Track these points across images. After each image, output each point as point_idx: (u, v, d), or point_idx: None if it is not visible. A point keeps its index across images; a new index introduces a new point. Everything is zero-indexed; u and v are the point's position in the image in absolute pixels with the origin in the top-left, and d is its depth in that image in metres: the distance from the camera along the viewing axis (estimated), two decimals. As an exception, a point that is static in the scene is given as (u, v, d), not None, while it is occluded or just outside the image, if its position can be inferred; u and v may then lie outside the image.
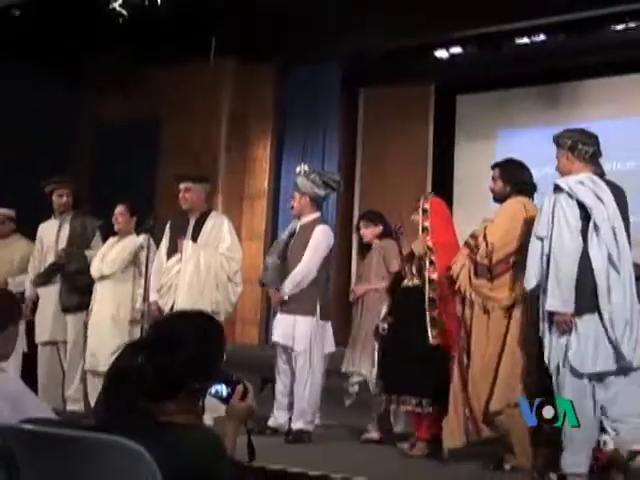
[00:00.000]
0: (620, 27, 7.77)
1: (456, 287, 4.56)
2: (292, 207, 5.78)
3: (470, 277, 4.49)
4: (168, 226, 5.87)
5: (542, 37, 8.06)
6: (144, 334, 2.22)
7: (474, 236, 4.60)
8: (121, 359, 2.12)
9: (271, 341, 5.77)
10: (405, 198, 5.50)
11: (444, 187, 8.70)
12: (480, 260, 4.47)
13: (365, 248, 5.85)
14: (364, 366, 5.48)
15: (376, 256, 5.73)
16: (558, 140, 4.21)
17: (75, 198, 6.56)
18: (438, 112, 9.60)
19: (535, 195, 4.71)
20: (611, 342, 3.93)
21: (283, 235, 5.80)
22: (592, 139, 4.19)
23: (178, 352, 2.09)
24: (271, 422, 5.59)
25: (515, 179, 4.67)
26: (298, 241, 5.65)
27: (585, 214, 4.00)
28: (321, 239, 5.67)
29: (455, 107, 9.63)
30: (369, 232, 5.76)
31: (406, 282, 5.23)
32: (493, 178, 4.76)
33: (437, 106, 9.62)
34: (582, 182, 4.04)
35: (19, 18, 7.64)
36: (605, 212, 4.00)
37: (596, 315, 3.96)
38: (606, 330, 3.93)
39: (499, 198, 4.73)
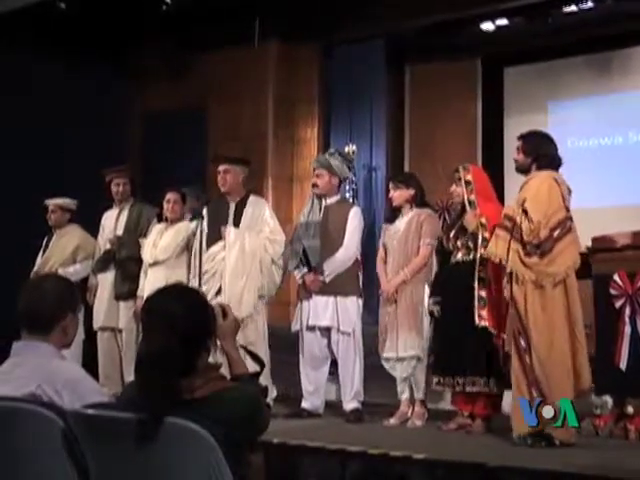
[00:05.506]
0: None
1: (507, 269, 4.49)
2: (316, 185, 5.66)
3: (521, 258, 4.43)
4: (206, 212, 5.75)
5: (590, 4, 7.88)
6: (143, 319, 2.24)
7: (510, 218, 4.53)
8: (149, 345, 2.15)
9: (304, 325, 5.56)
10: (455, 175, 5.42)
11: (495, 162, 8.58)
12: (528, 239, 4.42)
13: (395, 212, 5.48)
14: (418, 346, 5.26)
15: (413, 229, 5.32)
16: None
17: (133, 186, 6.70)
18: (486, 86, 9.47)
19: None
20: None
21: (312, 216, 5.61)
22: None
23: (191, 320, 2.16)
24: (305, 405, 5.58)
25: (536, 152, 4.67)
26: (331, 222, 5.59)
27: None
28: (358, 221, 5.65)
29: (503, 80, 9.49)
30: (398, 195, 5.40)
31: (460, 257, 5.08)
32: (517, 149, 4.78)
33: (484, 80, 9.49)
34: None
35: (65, 11, 7.73)
36: None
37: None
38: None
39: (521, 169, 4.77)
